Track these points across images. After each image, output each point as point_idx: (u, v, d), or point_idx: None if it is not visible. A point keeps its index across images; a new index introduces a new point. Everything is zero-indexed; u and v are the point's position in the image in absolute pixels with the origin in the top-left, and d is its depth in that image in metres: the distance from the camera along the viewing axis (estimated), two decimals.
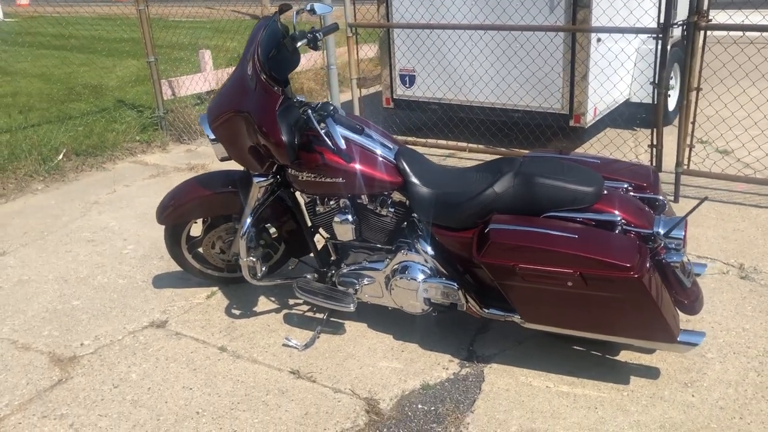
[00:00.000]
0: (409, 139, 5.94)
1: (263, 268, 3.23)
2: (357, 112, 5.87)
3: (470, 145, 5.71)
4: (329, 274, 3.22)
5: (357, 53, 5.65)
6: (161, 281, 3.79)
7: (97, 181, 5.59)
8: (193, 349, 3.14)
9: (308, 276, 3.25)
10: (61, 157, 5.88)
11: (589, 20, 5.22)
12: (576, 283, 2.52)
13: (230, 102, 2.96)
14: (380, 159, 2.95)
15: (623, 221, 2.68)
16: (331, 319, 3.34)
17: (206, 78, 7.30)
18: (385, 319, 3.26)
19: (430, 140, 5.84)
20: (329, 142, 2.76)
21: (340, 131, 2.87)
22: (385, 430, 2.60)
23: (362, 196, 3.03)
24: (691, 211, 2.71)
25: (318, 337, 3.21)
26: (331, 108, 2.84)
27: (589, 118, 5.55)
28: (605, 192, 2.77)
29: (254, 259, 3.13)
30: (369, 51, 8.57)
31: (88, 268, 4.00)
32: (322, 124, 2.79)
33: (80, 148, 6.04)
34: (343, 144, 2.71)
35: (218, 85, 7.41)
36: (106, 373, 2.99)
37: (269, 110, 2.81)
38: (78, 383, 2.93)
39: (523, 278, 2.61)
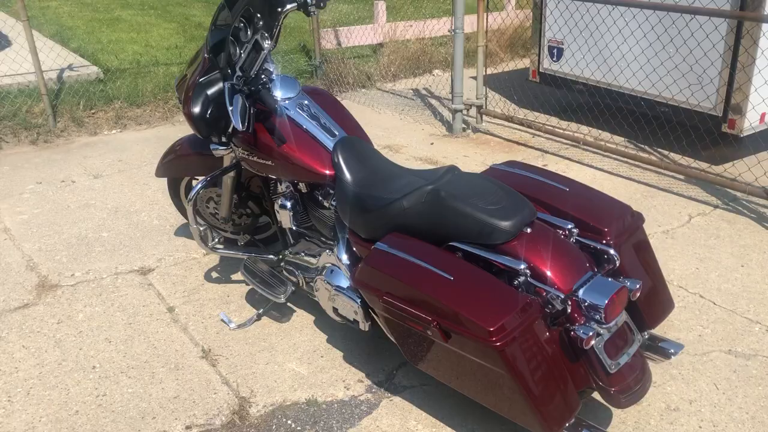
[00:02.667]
0: (522, 119, 5.33)
1: (215, 238, 3.15)
2: (481, 84, 5.41)
3: (587, 137, 4.97)
4: (278, 258, 3.06)
5: (486, 18, 5.15)
6: (185, 230, 3.91)
7: None
8: (146, 303, 3.22)
9: (271, 256, 3.12)
10: None
11: (763, 5, 4.15)
12: (434, 333, 2.09)
13: (188, 65, 2.90)
14: (316, 146, 2.68)
15: (527, 271, 2.13)
16: (288, 304, 3.19)
17: (376, 31, 7.23)
18: None
19: (547, 124, 5.19)
20: (233, 120, 2.55)
21: (285, 107, 2.67)
22: None
23: (300, 184, 2.81)
24: (617, 279, 2.09)
25: (257, 320, 3.09)
26: (261, 82, 2.62)
27: (749, 125, 4.49)
28: (529, 230, 2.22)
29: (201, 228, 3.08)
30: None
31: (143, 204, 4.26)
32: (202, 107, 2.56)
33: None
34: (239, 125, 2.49)
35: (389, 38, 7.31)
36: (63, 307, 3.20)
37: (193, 77, 2.69)
38: (36, 311, 3.17)
39: (387, 312, 2.23)
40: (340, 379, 2.74)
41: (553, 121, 5.62)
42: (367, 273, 2.29)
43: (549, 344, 2.06)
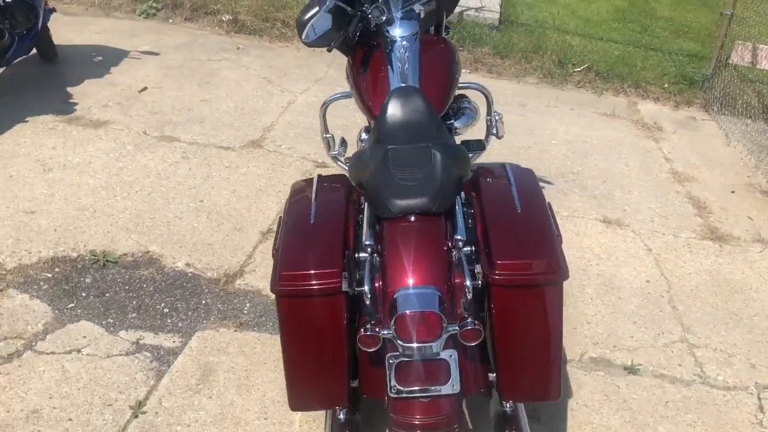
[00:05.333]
0: None
1: (337, 149, 3.36)
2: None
3: None
4: None
5: None
6: None
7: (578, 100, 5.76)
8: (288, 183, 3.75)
9: None
10: (578, 69, 6.22)
11: None
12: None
13: None
14: (384, 87, 2.73)
15: (374, 253, 1.99)
16: None
17: None
18: None
19: None
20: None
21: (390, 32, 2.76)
22: (161, 294, 2.89)
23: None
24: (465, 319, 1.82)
25: None
26: (362, 9, 2.74)
27: None
28: (413, 219, 2.03)
29: (327, 136, 3.37)
30: None
31: None
32: (309, 15, 2.73)
33: (601, 69, 6.19)
34: (301, 34, 2.68)
35: None
36: (241, 160, 3.93)
37: None
38: (224, 154, 3.99)
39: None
40: None
41: None
42: (289, 194, 2.35)
43: (339, 327, 1.91)
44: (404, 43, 2.79)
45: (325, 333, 1.90)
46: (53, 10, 4.88)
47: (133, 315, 2.71)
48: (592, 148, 4.80)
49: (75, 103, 4.33)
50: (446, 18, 3.17)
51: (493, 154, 4.39)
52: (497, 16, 6.88)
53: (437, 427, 1.85)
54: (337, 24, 2.75)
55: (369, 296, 1.89)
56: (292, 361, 1.91)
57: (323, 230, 2.04)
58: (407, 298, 1.85)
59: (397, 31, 2.84)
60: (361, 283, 1.91)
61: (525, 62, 6.24)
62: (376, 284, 1.94)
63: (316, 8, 2.87)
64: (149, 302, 2.78)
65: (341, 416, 1.96)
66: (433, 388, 1.85)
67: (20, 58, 4.50)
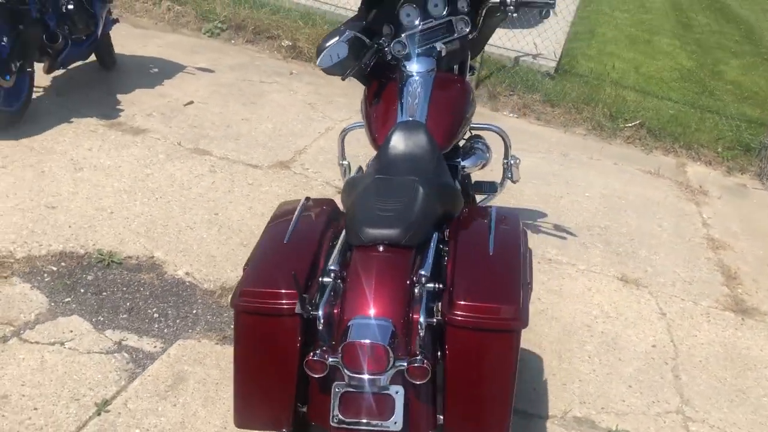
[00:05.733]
0: None
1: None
2: None
3: None
4: None
5: None
6: None
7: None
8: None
9: None
10: (630, 125, 6.11)
11: None
12: None
13: None
14: (392, 119, 2.76)
15: (337, 278, 1.98)
16: None
17: None
18: None
19: None
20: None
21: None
22: (155, 299, 2.94)
23: None
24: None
25: None
26: (377, 42, 2.78)
27: None
28: (381, 249, 2.01)
29: (344, 162, 3.41)
30: None
31: None
32: (329, 44, 2.79)
33: (654, 127, 6.07)
34: (318, 59, 2.73)
35: None
36: (279, 179, 4.01)
37: None
38: (253, 172, 4.07)
39: None
40: None
41: None
42: (273, 214, 2.37)
43: (291, 350, 1.91)
44: (418, 78, 2.81)
45: (276, 354, 1.90)
46: (116, 20, 5.11)
47: (124, 316, 2.77)
48: (628, 204, 4.67)
49: (121, 110, 4.51)
50: (471, 59, 3.18)
51: (521, 200, 4.35)
52: (554, 64, 6.83)
53: None
54: (354, 54, 2.80)
55: (321, 321, 1.87)
56: (242, 377, 1.91)
57: (293, 251, 2.05)
58: (359, 328, 1.83)
59: (414, 67, 2.87)
60: (319, 308, 1.90)
61: (575, 112, 6.16)
62: (335, 311, 1.93)
63: (336, 37, 2.93)
64: (142, 305, 2.84)
65: None
66: (375, 422, 1.82)
67: (78, 63, 4.72)
